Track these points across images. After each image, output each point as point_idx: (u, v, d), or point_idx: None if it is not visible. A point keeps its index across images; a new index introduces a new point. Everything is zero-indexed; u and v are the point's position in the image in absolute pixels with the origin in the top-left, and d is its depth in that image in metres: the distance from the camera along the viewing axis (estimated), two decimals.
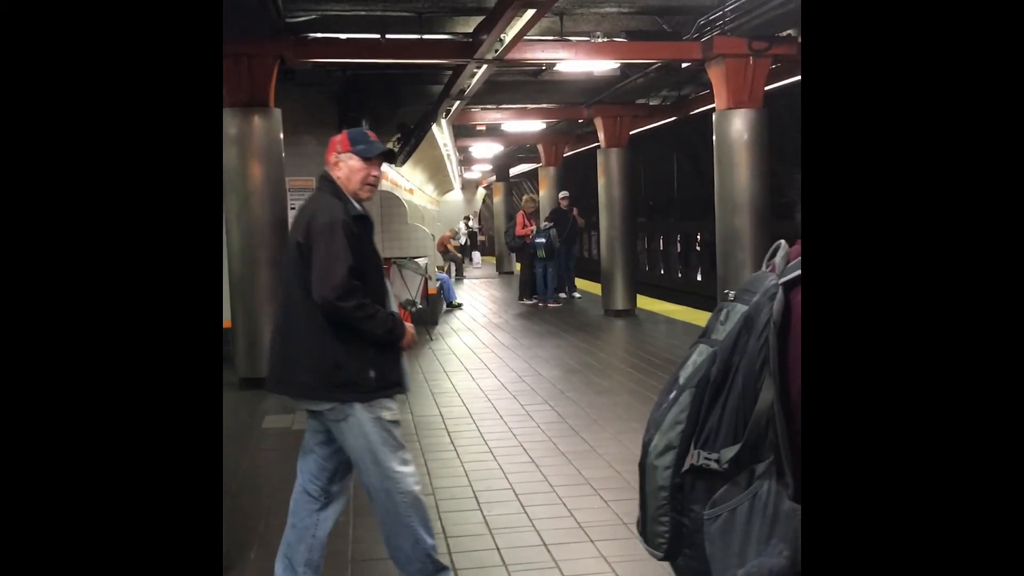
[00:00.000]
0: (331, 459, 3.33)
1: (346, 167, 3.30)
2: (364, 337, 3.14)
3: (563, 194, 15.15)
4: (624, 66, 10.53)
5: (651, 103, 13.59)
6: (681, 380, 1.79)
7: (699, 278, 22.06)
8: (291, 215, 9.17)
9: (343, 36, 8.44)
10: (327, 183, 3.32)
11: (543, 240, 13.93)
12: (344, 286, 3.06)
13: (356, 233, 3.20)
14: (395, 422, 3.25)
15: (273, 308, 3.36)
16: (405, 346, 3.28)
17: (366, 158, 3.31)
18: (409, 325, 3.31)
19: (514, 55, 8.01)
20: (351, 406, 3.15)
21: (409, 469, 3.28)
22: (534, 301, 14.35)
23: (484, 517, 4.42)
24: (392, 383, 3.24)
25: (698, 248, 22.44)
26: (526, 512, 4.47)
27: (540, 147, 19.01)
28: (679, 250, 24.08)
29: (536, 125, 16.09)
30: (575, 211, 14.73)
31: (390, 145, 11.87)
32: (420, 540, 3.26)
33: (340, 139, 3.34)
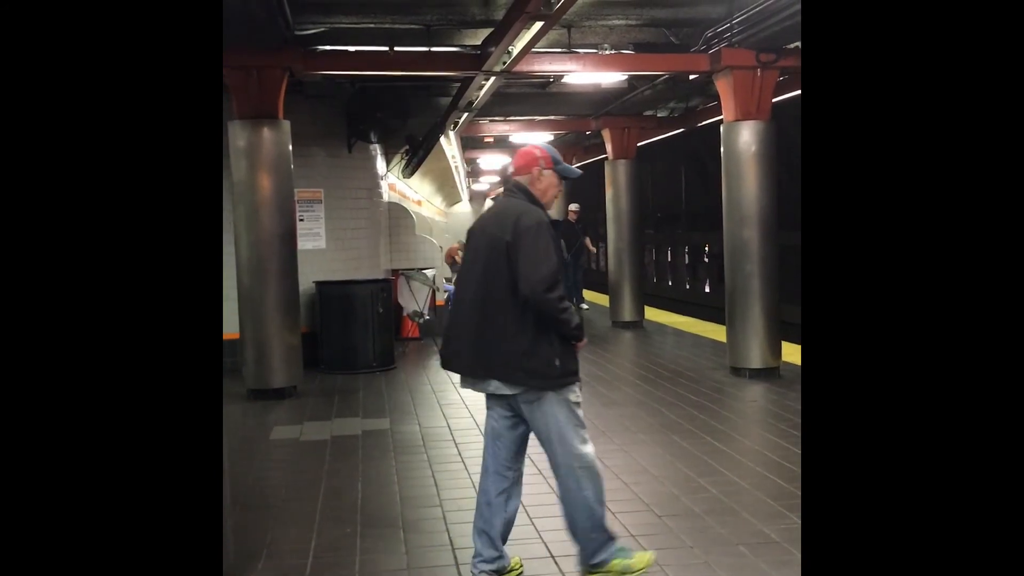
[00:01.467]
0: (520, 440, 3.73)
1: (547, 182, 3.70)
2: (554, 330, 3.48)
3: (573, 207, 15.11)
4: (632, 78, 10.54)
5: (659, 115, 13.60)
6: None
7: (707, 290, 22.01)
8: (300, 227, 9.21)
9: (352, 48, 8.46)
10: (521, 192, 3.69)
11: None
12: (552, 278, 3.43)
13: (554, 236, 3.55)
14: (578, 403, 3.62)
15: (461, 300, 3.70)
16: (580, 348, 3.61)
17: (564, 177, 3.75)
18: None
19: (522, 67, 8.02)
20: (546, 390, 3.52)
21: (589, 447, 3.64)
22: None
23: None
24: (572, 371, 3.56)
25: (706, 260, 22.41)
26: (533, 524, 4.45)
27: None
28: (687, 262, 24.04)
29: (544, 137, 16.10)
30: (587, 240, 14.84)
31: (398, 156, 11.92)
32: (594, 511, 3.62)
33: (542, 155, 3.71)
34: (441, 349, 3.78)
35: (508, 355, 3.49)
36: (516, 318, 3.48)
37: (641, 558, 3.74)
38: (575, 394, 3.61)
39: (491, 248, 3.56)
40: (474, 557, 3.70)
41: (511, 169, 3.79)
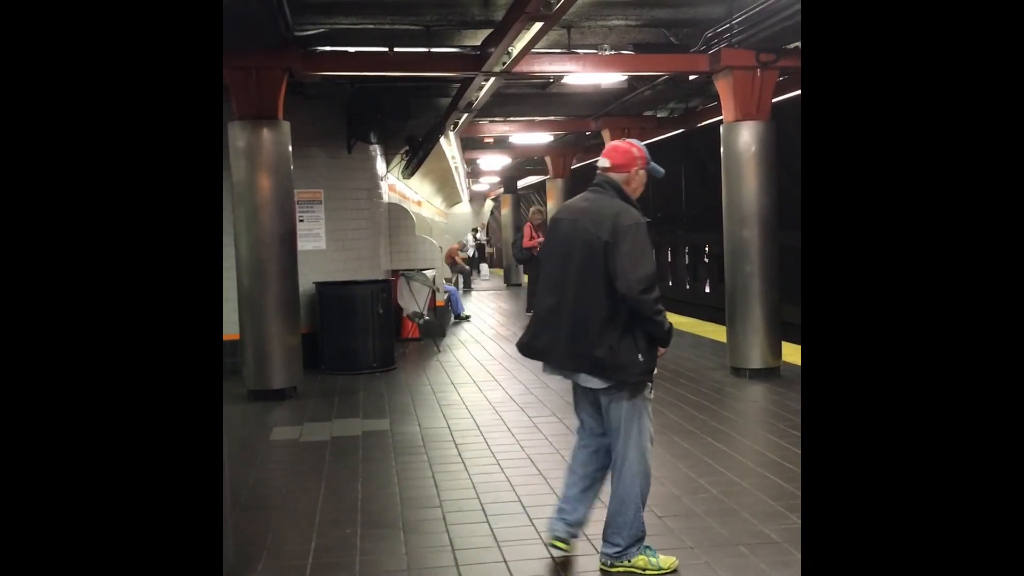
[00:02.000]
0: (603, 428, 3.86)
1: (639, 180, 3.81)
2: (645, 331, 3.59)
3: None
4: (631, 78, 10.54)
5: (659, 115, 13.60)
6: None
7: (707, 290, 22.01)
8: (300, 227, 9.21)
9: (352, 49, 8.46)
10: (613, 188, 3.76)
11: None
12: (650, 279, 3.55)
13: (648, 236, 3.67)
14: (651, 400, 3.78)
15: (549, 293, 3.81)
16: (662, 354, 3.73)
17: (652, 176, 3.87)
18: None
19: (522, 68, 8.02)
20: (626, 385, 3.64)
21: (651, 446, 3.79)
22: None
23: (491, 529, 4.41)
24: (650, 370, 3.68)
25: (706, 260, 22.40)
26: (533, 524, 4.45)
27: (548, 159, 19.04)
28: (687, 262, 24.04)
29: (544, 137, 16.11)
30: None
31: (398, 157, 11.92)
32: (639, 507, 3.76)
33: (640, 155, 3.80)
34: (526, 339, 3.88)
35: (597, 349, 3.58)
36: (608, 315, 3.58)
37: (666, 560, 3.82)
38: (650, 391, 3.76)
39: (587, 246, 3.63)
40: (558, 519, 3.92)
41: (607, 165, 3.80)
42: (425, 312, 11.33)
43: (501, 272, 25.83)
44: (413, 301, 11.29)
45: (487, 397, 7.90)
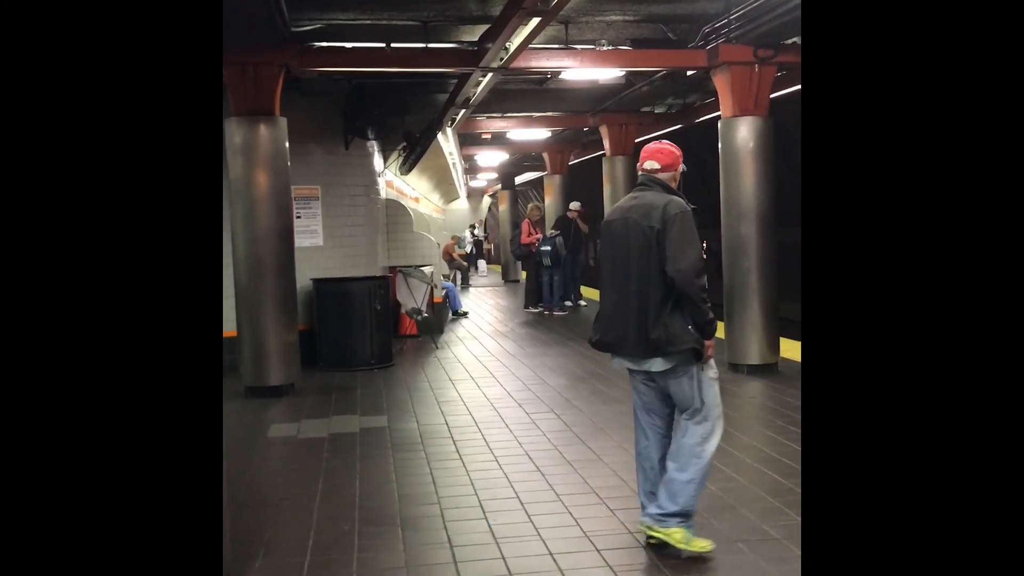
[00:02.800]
0: (672, 412, 4.01)
1: (679, 176, 4.10)
2: (691, 317, 3.76)
3: (574, 205, 14.84)
4: (629, 74, 10.53)
5: (656, 111, 13.59)
6: None
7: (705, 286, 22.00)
8: (297, 224, 9.19)
9: (349, 45, 8.44)
10: (659, 185, 4.02)
11: (548, 248, 13.88)
12: (699, 263, 3.76)
13: (695, 224, 3.85)
14: (715, 381, 3.94)
15: (613, 289, 4.02)
16: (710, 350, 3.82)
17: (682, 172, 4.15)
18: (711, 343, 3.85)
19: (519, 63, 8.01)
20: (689, 362, 3.80)
21: (720, 431, 3.92)
22: (540, 309, 14.32)
23: (490, 526, 4.40)
24: (702, 341, 3.80)
25: (704, 257, 22.41)
26: (532, 521, 4.45)
27: (545, 155, 19.02)
28: None
29: (541, 133, 16.08)
30: (580, 220, 14.61)
31: (396, 153, 11.90)
32: (694, 482, 3.82)
33: (679, 153, 4.10)
34: (597, 337, 4.07)
35: (653, 332, 3.75)
36: (662, 299, 3.76)
37: (700, 542, 3.88)
38: (714, 370, 3.92)
39: (641, 238, 3.84)
40: (643, 510, 4.00)
41: (656, 167, 4.04)
42: (423, 308, 11.32)
43: (499, 268, 25.82)
44: (411, 297, 11.29)
45: (485, 394, 7.90)
